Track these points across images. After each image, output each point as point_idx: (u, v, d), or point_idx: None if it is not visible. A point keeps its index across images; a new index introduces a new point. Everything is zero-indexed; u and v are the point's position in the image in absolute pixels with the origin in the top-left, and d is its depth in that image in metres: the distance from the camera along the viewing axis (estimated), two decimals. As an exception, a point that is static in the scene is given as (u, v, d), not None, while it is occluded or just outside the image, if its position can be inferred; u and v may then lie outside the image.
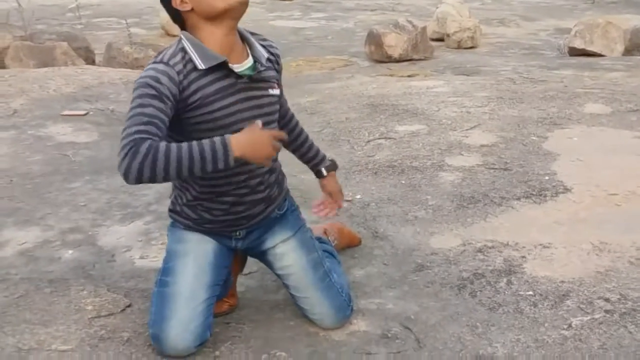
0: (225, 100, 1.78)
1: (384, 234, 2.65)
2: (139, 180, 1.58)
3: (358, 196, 3.03)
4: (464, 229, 2.68)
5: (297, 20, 10.84)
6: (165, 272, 1.92)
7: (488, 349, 1.92)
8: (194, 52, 1.74)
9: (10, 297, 2.21)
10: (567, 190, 3.01)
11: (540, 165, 3.32)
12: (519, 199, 2.94)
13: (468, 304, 2.14)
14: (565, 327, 2.00)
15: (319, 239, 2.21)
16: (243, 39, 1.86)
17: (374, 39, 7.43)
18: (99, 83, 5.12)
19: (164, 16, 7.24)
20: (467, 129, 3.93)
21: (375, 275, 2.34)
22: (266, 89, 1.87)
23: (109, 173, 3.25)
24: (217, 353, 1.92)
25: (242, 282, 2.27)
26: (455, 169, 3.31)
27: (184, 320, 1.83)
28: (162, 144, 1.59)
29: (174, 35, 1.75)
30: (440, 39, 8.55)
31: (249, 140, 1.65)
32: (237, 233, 1.97)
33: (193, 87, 1.74)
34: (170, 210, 2.01)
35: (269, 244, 2.00)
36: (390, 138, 3.82)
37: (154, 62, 1.73)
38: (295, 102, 4.44)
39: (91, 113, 4.34)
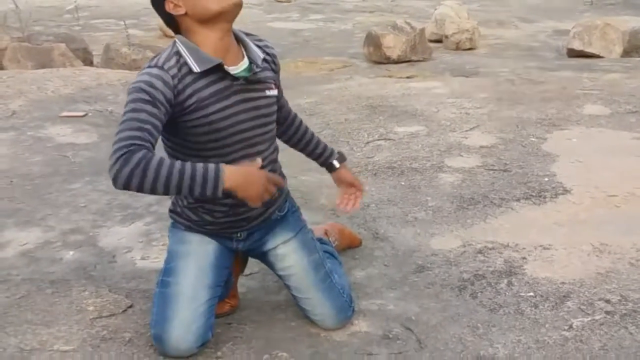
0: (221, 103, 1.77)
1: (385, 235, 2.66)
2: (126, 187, 1.58)
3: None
4: (464, 230, 2.68)
5: (296, 22, 10.85)
6: (167, 273, 1.92)
7: (489, 349, 1.92)
8: (188, 55, 1.74)
9: (12, 298, 2.21)
10: (566, 191, 3.02)
11: (539, 166, 3.33)
12: (518, 200, 2.95)
13: (469, 305, 2.15)
14: (566, 328, 2.01)
15: (320, 240, 2.21)
16: (238, 40, 1.85)
17: (372, 41, 7.44)
18: (97, 84, 5.12)
19: (163, 17, 7.22)
20: (466, 130, 3.94)
21: (376, 276, 2.35)
22: (263, 90, 1.86)
23: (108, 174, 3.25)
24: (218, 354, 1.92)
25: (243, 283, 2.27)
26: (455, 170, 3.32)
27: (186, 321, 1.83)
28: (156, 158, 1.58)
29: (172, 37, 1.76)
30: (439, 41, 8.56)
31: (243, 176, 1.65)
32: (238, 234, 1.98)
33: (188, 90, 1.73)
34: (170, 211, 2.01)
35: (270, 245, 2.01)
36: (389, 139, 3.83)
37: (149, 67, 1.73)
38: (294, 104, 4.43)
39: (90, 114, 4.34)
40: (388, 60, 7.30)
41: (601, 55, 7.37)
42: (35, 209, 2.92)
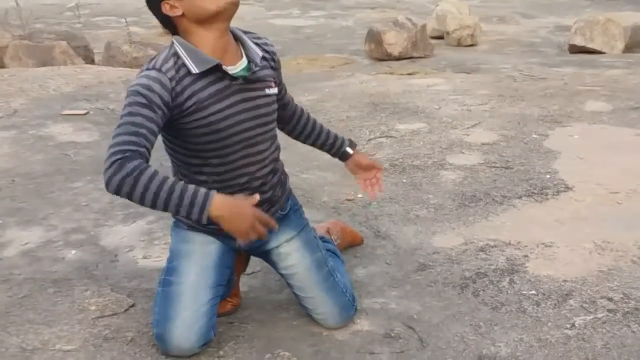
0: (220, 103, 1.77)
1: (386, 233, 2.66)
2: (116, 193, 1.59)
3: (360, 195, 3.03)
4: (465, 228, 2.68)
5: (297, 19, 10.83)
6: (169, 272, 1.92)
7: (491, 348, 1.92)
8: (186, 56, 1.73)
9: (14, 297, 2.21)
10: (568, 188, 3.01)
11: (541, 163, 3.32)
12: (520, 197, 2.94)
13: (471, 304, 2.15)
14: (568, 326, 2.01)
15: (322, 239, 2.21)
16: (236, 38, 1.84)
17: (373, 37, 7.43)
18: (99, 82, 5.12)
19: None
20: (468, 127, 3.93)
21: (377, 275, 2.35)
22: (262, 89, 1.85)
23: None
24: (221, 353, 1.92)
25: (246, 282, 2.27)
26: (457, 168, 3.31)
27: (188, 321, 1.83)
28: (150, 170, 1.58)
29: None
30: (440, 37, 8.55)
31: (231, 208, 1.62)
32: (241, 234, 1.97)
33: (187, 92, 1.72)
34: (173, 211, 2.01)
35: (272, 243, 2.00)
36: (391, 136, 3.82)
37: (147, 69, 1.72)
38: (296, 101, 4.43)
39: (91, 112, 4.34)
40: (389, 57, 7.29)
41: (603, 51, 7.36)
42: (37, 208, 2.92)
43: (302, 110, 2.19)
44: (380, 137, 3.81)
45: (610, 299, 2.14)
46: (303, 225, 2.06)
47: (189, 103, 1.73)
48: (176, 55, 1.74)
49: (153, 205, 1.59)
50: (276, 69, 1.94)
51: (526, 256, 2.43)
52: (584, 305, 2.11)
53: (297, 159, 3.45)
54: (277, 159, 1.98)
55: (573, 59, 6.65)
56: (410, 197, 3.00)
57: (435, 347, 1.94)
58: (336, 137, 2.21)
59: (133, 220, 2.81)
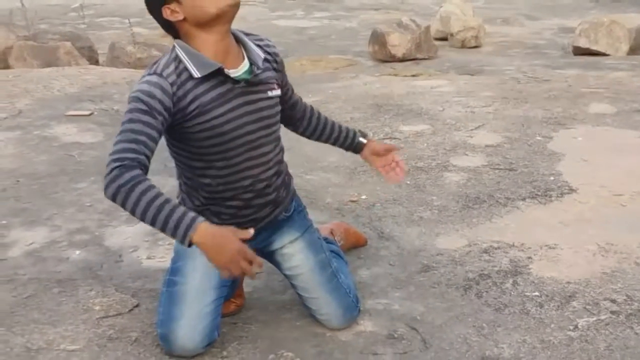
0: (223, 107, 1.77)
1: (390, 234, 2.66)
2: (112, 200, 1.61)
3: (363, 196, 3.04)
4: (469, 230, 2.68)
5: (300, 20, 10.85)
6: (174, 272, 1.93)
7: (494, 349, 1.92)
8: (188, 60, 1.73)
9: (19, 297, 2.22)
10: (572, 190, 3.01)
11: (545, 165, 3.32)
12: (524, 199, 2.94)
13: (474, 305, 2.15)
14: (571, 328, 2.01)
15: (326, 240, 2.21)
16: (238, 41, 1.83)
17: (377, 39, 7.44)
18: (103, 83, 5.13)
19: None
20: (471, 129, 3.93)
21: (381, 276, 2.35)
22: (265, 91, 1.85)
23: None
24: (224, 353, 1.93)
25: (249, 283, 2.27)
26: (460, 170, 3.32)
27: (192, 321, 1.84)
28: (145, 184, 1.58)
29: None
30: (444, 39, 8.56)
31: (215, 239, 1.58)
32: (246, 235, 1.98)
33: (190, 96, 1.73)
34: (177, 211, 2.01)
35: (276, 245, 2.01)
36: (394, 138, 3.82)
37: (148, 74, 1.73)
38: (300, 102, 4.44)
39: (95, 113, 4.35)
40: (393, 59, 7.30)
41: (607, 53, 7.35)
42: (41, 209, 2.94)
43: (312, 108, 2.18)
44: (384, 139, 3.81)
45: (613, 301, 2.14)
46: (307, 226, 2.06)
47: (192, 107, 1.73)
48: (177, 59, 1.74)
49: (142, 219, 1.60)
50: (279, 70, 1.94)
51: (530, 258, 2.43)
52: (587, 307, 2.11)
53: (300, 160, 3.45)
54: (281, 161, 1.98)
55: (577, 61, 6.65)
56: (414, 198, 3.00)
57: (439, 348, 1.94)
58: (348, 130, 2.20)
59: (137, 221, 2.80)
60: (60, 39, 6.94)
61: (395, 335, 2.00)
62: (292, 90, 2.09)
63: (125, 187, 1.57)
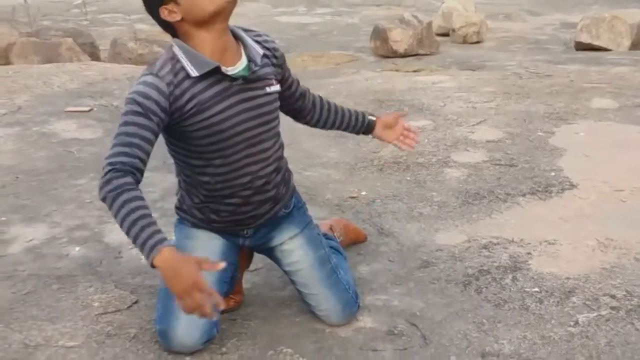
0: (221, 104, 1.76)
1: (390, 230, 2.65)
2: (102, 202, 1.63)
3: (363, 192, 3.03)
4: (469, 226, 2.67)
5: (302, 16, 10.83)
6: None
7: (494, 345, 1.92)
8: (185, 59, 1.73)
9: (18, 294, 2.22)
10: (573, 186, 3.00)
11: (546, 161, 3.31)
12: (524, 195, 2.93)
13: (474, 301, 2.14)
14: (571, 323, 2.00)
15: (325, 236, 2.21)
16: (236, 37, 1.82)
17: (379, 34, 7.42)
18: (103, 79, 5.13)
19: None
20: (473, 125, 3.92)
21: (380, 272, 2.34)
22: (263, 87, 1.84)
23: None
24: (223, 349, 1.92)
25: (248, 279, 2.27)
26: (461, 165, 3.31)
27: (191, 318, 1.81)
28: (129, 193, 1.58)
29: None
30: (446, 34, 8.53)
31: (175, 266, 1.53)
32: (245, 231, 1.98)
33: (187, 95, 1.72)
34: (177, 208, 2.01)
35: (276, 241, 2.01)
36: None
37: (144, 74, 1.73)
38: (301, 98, 4.42)
39: (95, 109, 4.35)
40: (395, 54, 7.28)
41: (609, 48, 7.33)
42: (40, 205, 2.93)
43: (320, 98, 2.17)
44: (384, 135, 3.80)
45: (613, 297, 2.13)
46: (307, 223, 2.06)
47: (190, 105, 1.73)
48: (174, 59, 1.73)
49: (120, 227, 1.60)
50: (278, 65, 1.92)
51: (529, 254, 2.42)
52: (587, 302, 2.10)
53: (300, 156, 3.45)
54: (280, 157, 1.98)
55: (579, 56, 6.63)
56: (414, 194, 2.99)
57: (438, 344, 1.93)
58: (357, 113, 2.20)
59: (137, 217, 2.81)
60: (62, 35, 6.93)
61: (395, 332, 2.00)
62: (298, 82, 2.08)
63: (112, 193, 1.59)
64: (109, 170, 1.62)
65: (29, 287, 2.26)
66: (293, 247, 2.01)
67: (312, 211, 2.26)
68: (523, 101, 4.37)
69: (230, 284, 2.03)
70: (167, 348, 1.89)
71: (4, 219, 2.81)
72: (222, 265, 1.60)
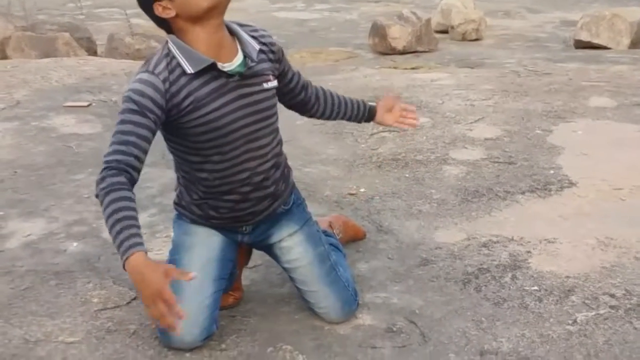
0: (217, 101, 1.75)
1: (389, 227, 2.65)
2: (96, 198, 1.65)
3: (362, 189, 3.03)
4: (468, 223, 2.67)
5: (301, 12, 10.82)
6: (172, 265, 1.92)
7: (493, 343, 1.92)
8: (181, 56, 1.72)
9: (17, 289, 2.21)
10: (572, 184, 3.00)
11: (545, 159, 3.31)
12: (523, 193, 2.93)
13: (473, 299, 2.14)
14: (570, 322, 2.01)
15: (324, 232, 2.21)
16: (232, 33, 1.81)
17: (377, 31, 7.41)
18: (102, 74, 5.11)
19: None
20: (471, 122, 3.92)
21: (380, 269, 2.34)
22: (260, 83, 1.83)
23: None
24: (223, 346, 1.92)
25: (247, 276, 2.27)
26: (460, 163, 3.31)
27: (191, 314, 1.82)
28: (118, 193, 1.59)
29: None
30: (445, 31, 8.53)
31: (143, 273, 1.51)
32: (244, 228, 1.97)
33: (184, 92, 1.72)
34: (175, 204, 2.01)
35: (275, 238, 2.00)
36: (394, 131, 3.80)
37: (140, 72, 1.73)
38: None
39: (94, 104, 4.33)
40: (393, 51, 7.28)
41: (609, 46, 7.34)
42: (39, 200, 2.93)
43: (323, 89, 2.17)
44: (383, 132, 3.80)
45: (612, 296, 2.13)
46: (306, 219, 2.05)
47: (186, 102, 1.72)
48: (170, 55, 1.73)
49: (106, 225, 1.60)
50: (275, 60, 1.91)
51: (529, 252, 2.43)
52: (586, 301, 2.11)
53: (299, 153, 3.44)
54: (279, 154, 1.97)
55: (578, 55, 6.63)
56: (413, 192, 2.99)
57: (437, 342, 1.93)
58: (358, 101, 2.21)
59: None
60: (58, 30, 6.91)
61: (394, 329, 2.00)
62: (299, 75, 2.07)
63: (103, 191, 1.61)
64: (104, 169, 1.64)
65: (27, 283, 2.25)
66: (292, 244, 2.01)
67: (311, 208, 2.26)
68: (521, 99, 4.37)
69: (229, 280, 2.03)
70: (166, 344, 1.89)
71: (1, 213, 2.80)
72: (193, 275, 1.57)
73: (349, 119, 2.21)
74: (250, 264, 2.27)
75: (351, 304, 2.04)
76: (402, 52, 7.23)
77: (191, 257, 1.92)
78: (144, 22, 8.70)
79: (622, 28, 7.40)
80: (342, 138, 3.74)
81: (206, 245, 1.94)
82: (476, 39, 8.29)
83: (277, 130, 1.94)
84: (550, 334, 1.96)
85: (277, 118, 1.93)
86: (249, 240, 2.02)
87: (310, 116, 2.18)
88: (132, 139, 1.66)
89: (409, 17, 7.48)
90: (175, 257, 1.94)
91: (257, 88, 1.82)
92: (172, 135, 1.82)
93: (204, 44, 1.73)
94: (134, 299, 2.15)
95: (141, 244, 1.56)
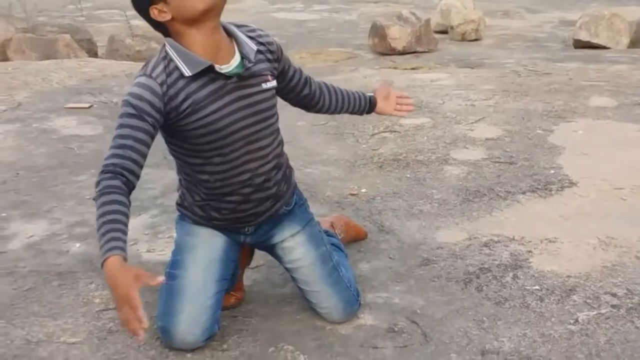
0: (216, 103, 1.76)
1: (390, 227, 2.66)
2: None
3: (363, 190, 3.03)
4: (469, 223, 2.68)
5: (300, 12, 10.83)
6: (174, 265, 1.93)
7: (494, 343, 1.93)
8: (179, 59, 1.72)
9: (19, 290, 2.22)
10: (572, 184, 3.01)
11: (545, 159, 3.32)
12: (524, 193, 2.94)
13: (474, 299, 2.15)
14: (571, 322, 2.01)
15: (326, 233, 2.21)
16: (229, 34, 1.81)
17: (377, 32, 7.42)
18: (102, 76, 5.12)
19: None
20: (472, 122, 3.92)
21: (381, 269, 2.35)
22: (259, 84, 1.83)
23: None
24: (224, 346, 1.93)
25: (249, 276, 2.27)
26: (461, 163, 3.31)
27: (193, 315, 1.84)
28: (107, 197, 1.60)
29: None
30: (444, 32, 8.54)
31: (116, 275, 1.50)
32: (246, 229, 1.97)
33: (182, 94, 1.72)
34: (178, 205, 2.01)
35: (277, 238, 2.01)
36: (394, 131, 3.82)
37: (138, 76, 1.73)
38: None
39: (95, 106, 4.34)
40: (393, 52, 7.29)
41: (608, 46, 7.34)
42: (41, 201, 2.93)
43: (325, 83, 2.17)
44: (384, 132, 3.81)
45: (614, 295, 2.14)
46: (308, 220, 2.05)
47: (185, 105, 1.73)
48: (167, 58, 1.73)
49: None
50: (274, 59, 1.90)
51: (530, 251, 2.43)
52: (588, 300, 2.11)
53: (300, 153, 3.45)
54: (280, 154, 1.97)
55: (578, 54, 6.64)
56: (414, 192, 3.00)
57: (439, 342, 1.94)
58: (359, 93, 2.22)
59: (137, 213, 2.81)
60: (59, 32, 6.93)
61: (396, 329, 2.00)
62: (301, 71, 2.07)
63: (97, 194, 1.63)
64: (100, 172, 1.66)
65: (29, 284, 2.26)
66: (294, 245, 2.01)
67: (312, 208, 2.26)
68: (522, 99, 4.37)
69: (231, 281, 2.03)
70: (168, 345, 1.89)
71: (4, 215, 2.80)
72: (160, 280, 1.55)
73: (353, 111, 2.22)
74: (252, 264, 2.27)
75: (353, 304, 2.04)
76: (402, 53, 7.24)
77: (194, 257, 1.92)
78: (144, 24, 8.68)
79: (621, 27, 7.40)
80: (343, 138, 3.74)
81: (209, 246, 1.95)
82: (475, 39, 8.30)
83: (277, 130, 1.94)
84: (551, 333, 1.96)
85: (277, 118, 1.93)
86: (252, 240, 2.02)
87: (317, 111, 2.19)
88: (130, 142, 1.67)
89: (408, 17, 7.49)
90: (177, 258, 1.94)
91: (256, 89, 1.83)
92: (172, 137, 1.82)
93: (201, 46, 1.73)
94: (136, 299, 2.15)
95: (119, 247, 1.55)
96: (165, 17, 1.70)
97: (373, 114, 2.27)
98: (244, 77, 1.80)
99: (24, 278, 2.30)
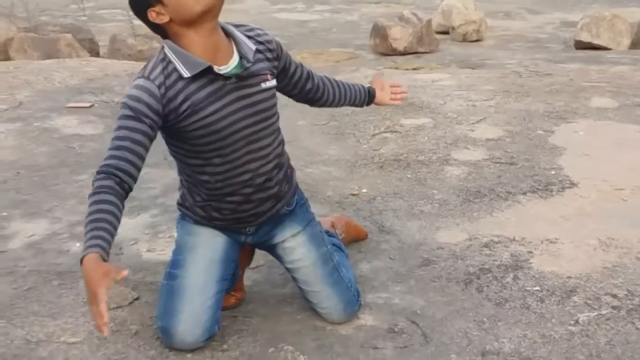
0: (215, 104, 1.76)
1: (390, 228, 2.66)
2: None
3: (364, 190, 3.03)
4: (470, 224, 2.68)
5: (301, 13, 10.83)
6: (175, 265, 1.93)
7: (495, 344, 1.92)
8: (177, 60, 1.72)
9: (19, 290, 2.22)
10: (573, 184, 3.00)
11: (546, 159, 3.32)
12: (525, 193, 2.94)
13: (475, 299, 2.15)
14: (572, 322, 2.01)
15: (327, 233, 2.20)
16: (228, 34, 1.81)
17: (378, 32, 7.42)
18: (104, 75, 5.12)
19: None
20: (472, 123, 3.92)
21: (381, 270, 2.35)
22: (258, 84, 1.83)
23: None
24: (224, 346, 1.93)
25: (249, 276, 2.27)
26: (461, 163, 3.31)
27: (193, 315, 1.84)
28: (98, 197, 1.62)
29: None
30: (446, 32, 8.54)
31: (89, 272, 1.50)
32: (247, 229, 1.97)
33: (181, 96, 1.72)
34: (179, 204, 2.01)
35: (278, 238, 2.00)
36: (395, 132, 3.82)
37: (137, 77, 1.74)
38: (301, 95, 4.41)
39: (96, 105, 4.34)
40: (394, 52, 7.29)
41: (609, 47, 7.34)
42: (41, 201, 2.93)
43: (326, 76, 2.18)
44: (384, 132, 3.81)
45: (614, 296, 2.13)
46: (309, 220, 2.05)
47: (184, 106, 1.73)
48: (165, 60, 1.73)
49: None
50: (273, 58, 1.89)
51: (530, 252, 2.43)
52: (588, 301, 2.11)
53: (301, 153, 3.45)
54: (281, 154, 1.96)
55: (579, 55, 6.64)
56: (414, 192, 3.00)
57: (439, 343, 1.94)
58: (358, 85, 2.25)
59: (137, 213, 2.81)
60: (61, 31, 6.93)
61: (396, 330, 2.00)
62: (302, 66, 2.07)
63: (91, 192, 1.65)
64: (97, 172, 1.68)
65: (29, 283, 2.26)
66: (295, 245, 2.01)
67: (313, 208, 2.26)
68: (523, 100, 4.37)
69: (231, 281, 2.03)
70: (168, 345, 1.89)
71: (5, 214, 2.80)
72: (124, 274, 1.51)
73: (354, 103, 2.25)
74: (253, 264, 2.27)
75: (353, 304, 2.04)
76: (403, 53, 7.24)
77: (194, 257, 1.92)
78: (146, 23, 8.71)
79: (622, 29, 7.40)
80: (344, 139, 3.74)
81: (209, 246, 1.95)
82: (477, 40, 8.29)
83: (278, 130, 1.94)
84: (552, 334, 1.96)
85: (277, 118, 1.92)
86: (252, 241, 2.02)
87: (321, 105, 2.20)
88: (126, 144, 1.68)
89: (409, 18, 7.49)
90: (178, 258, 1.94)
91: (255, 89, 1.82)
92: (172, 139, 1.82)
93: (200, 48, 1.73)
94: (136, 299, 2.16)
95: (98, 245, 1.55)
96: (163, 19, 1.70)
97: (373, 114, 2.28)
98: (243, 77, 1.79)
99: (24, 277, 2.30)
